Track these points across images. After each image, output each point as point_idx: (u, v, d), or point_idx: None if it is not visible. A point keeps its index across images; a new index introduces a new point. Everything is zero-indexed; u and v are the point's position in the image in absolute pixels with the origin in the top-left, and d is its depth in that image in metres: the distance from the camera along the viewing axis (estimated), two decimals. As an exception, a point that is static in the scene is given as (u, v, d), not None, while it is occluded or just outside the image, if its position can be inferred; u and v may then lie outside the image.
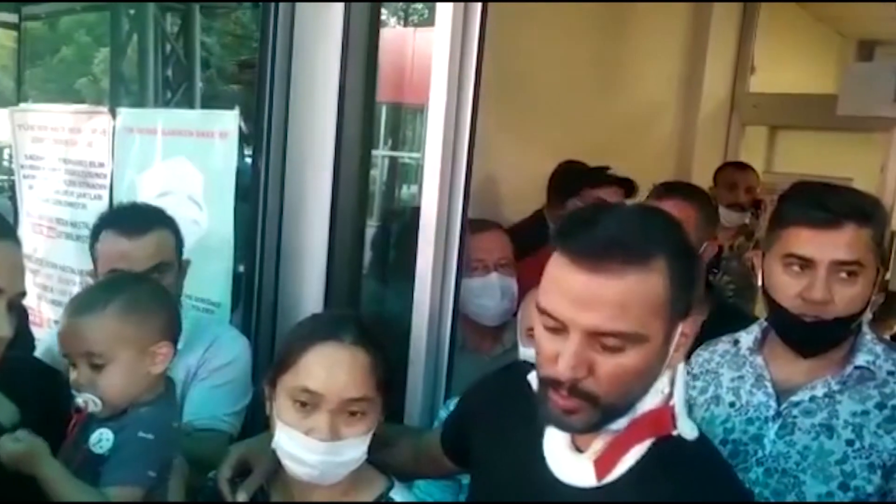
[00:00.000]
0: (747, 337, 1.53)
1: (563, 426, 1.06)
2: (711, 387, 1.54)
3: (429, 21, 1.70)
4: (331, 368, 1.20)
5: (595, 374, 0.99)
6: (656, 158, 4.04)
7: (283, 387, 1.22)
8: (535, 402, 1.09)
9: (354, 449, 1.21)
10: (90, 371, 1.26)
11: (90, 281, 1.80)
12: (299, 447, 1.19)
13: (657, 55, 4.02)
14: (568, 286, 0.99)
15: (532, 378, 1.11)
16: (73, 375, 1.28)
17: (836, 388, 1.39)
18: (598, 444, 1.06)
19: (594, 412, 1.01)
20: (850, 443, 1.36)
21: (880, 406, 1.36)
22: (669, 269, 0.99)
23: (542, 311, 1.03)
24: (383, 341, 1.29)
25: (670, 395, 1.06)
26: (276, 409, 1.23)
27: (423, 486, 1.70)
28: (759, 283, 1.47)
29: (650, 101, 4.03)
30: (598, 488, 1.06)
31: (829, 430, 1.38)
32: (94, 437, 1.26)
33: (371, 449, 1.26)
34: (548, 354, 1.02)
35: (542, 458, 1.13)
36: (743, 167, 3.42)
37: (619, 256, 0.96)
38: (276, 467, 1.26)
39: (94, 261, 1.72)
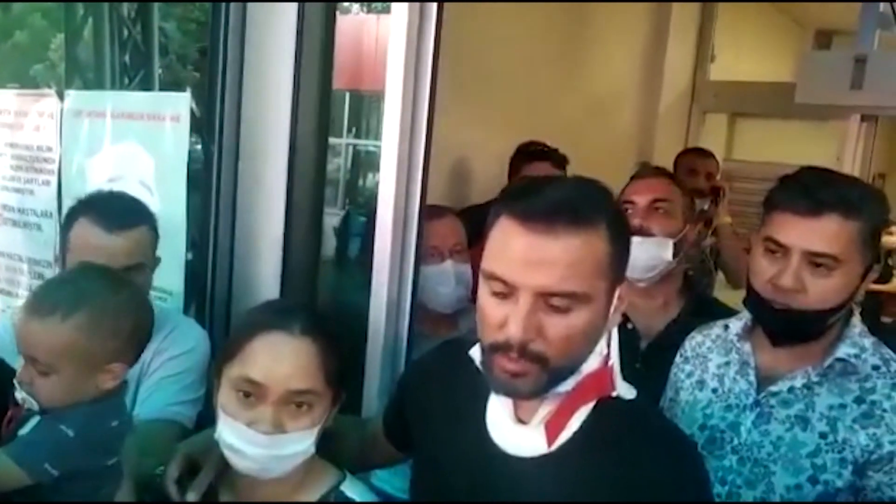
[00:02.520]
0: (737, 323, 1.50)
1: (510, 392, 1.07)
2: (698, 371, 1.53)
3: (389, 8, 1.68)
4: (275, 359, 1.16)
5: (544, 336, 1.01)
6: (618, 145, 4.08)
7: (227, 377, 1.19)
8: (476, 378, 1.10)
9: (299, 443, 1.18)
10: (34, 373, 1.19)
11: (44, 272, 1.73)
12: (241, 439, 1.16)
13: (619, 43, 4.05)
14: (518, 248, 1.01)
15: (474, 352, 1.11)
16: (20, 368, 1.21)
17: (815, 379, 1.37)
18: (543, 410, 1.08)
19: (542, 374, 1.03)
20: (823, 436, 1.34)
21: (858, 400, 1.34)
22: (609, 233, 1.03)
23: (491, 276, 1.04)
24: (336, 332, 1.25)
25: (608, 356, 1.10)
26: (219, 400, 1.20)
27: (381, 473, 1.69)
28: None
29: (612, 89, 4.06)
30: (547, 455, 1.07)
31: (803, 422, 1.36)
32: (27, 424, 1.20)
33: (321, 442, 1.24)
34: (495, 320, 1.03)
35: (486, 433, 1.14)
36: (703, 153, 3.44)
37: (567, 219, 1.00)
38: (225, 463, 1.22)
39: (64, 247, 1.64)
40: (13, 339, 1.69)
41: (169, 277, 1.96)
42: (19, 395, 1.20)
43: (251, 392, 1.16)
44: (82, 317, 1.18)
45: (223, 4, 1.83)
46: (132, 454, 1.31)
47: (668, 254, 1.86)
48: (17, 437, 1.19)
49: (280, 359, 1.17)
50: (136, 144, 2.04)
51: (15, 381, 1.20)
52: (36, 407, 1.19)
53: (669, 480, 1.04)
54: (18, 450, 1.16)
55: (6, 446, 1.16)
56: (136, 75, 5.95)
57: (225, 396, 1.19)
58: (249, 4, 1.84)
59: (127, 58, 5.89)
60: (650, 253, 1.85)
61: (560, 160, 2.75)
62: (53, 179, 2.24)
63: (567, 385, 1.06)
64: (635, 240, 1.81)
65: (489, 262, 1.05)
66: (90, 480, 1.21)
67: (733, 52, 4.75)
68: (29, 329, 1.19)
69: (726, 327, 1.53)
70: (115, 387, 1.25)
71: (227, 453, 1.19)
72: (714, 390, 1.48)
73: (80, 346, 1.18)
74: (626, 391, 1.12)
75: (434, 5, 1.64)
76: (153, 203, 1.97)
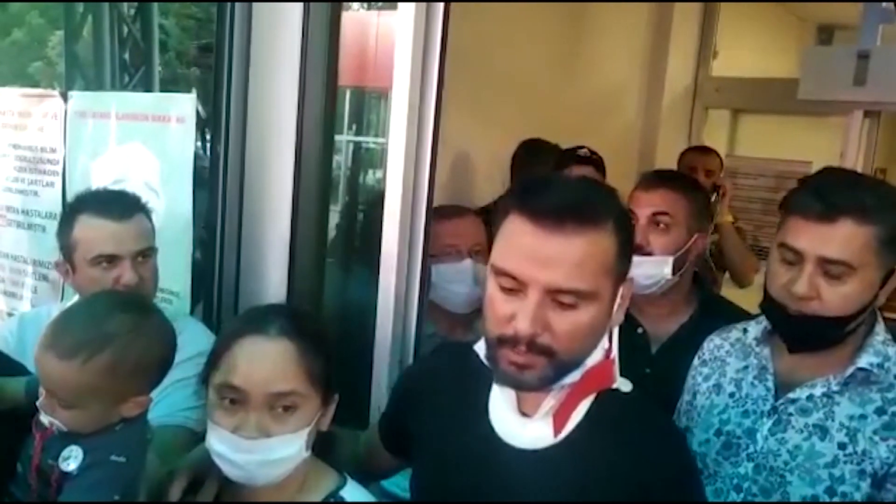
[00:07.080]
0: (756, 326, 1.47)
1: (517, 383, 1.10)
2: (715, 375, 1.50)
3: (394, 5, 1.67)
4: (253, 362, 1.15)
5: (551, 330, 1.04)
6: (621, 141, 4.07)
7: (212, 384, 1.18)
8: (476, 375, 1.13)
9: (286, 448, 1.16)
10: (55, 405, 1.16)
11: (49, 274, 1.68)
12: (227, 446, 1.15)
13: (622, 39, 4.04)
14: (528, 246, 1.03)
15: (479, 346, 1.13)
16: (41, 395, 1.18)
17: (835, 388, 1.33)
18: (548, 403, 1.11)
19: (549, 367, 1.06)
20: (842, 446, 1.31)
21: (880, 411, 1.30)
22: (616, 232, 1.06)
23: (500, 272, 1.06)
24: (318, 332, 1.24)
25: (609, 349, 1.13)
26: (208, 408, 1.19)
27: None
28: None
29: (615, 85, 4.05)
30: (552, 446, 1.11)
31: (822, 431, 1.33)
32: (65, 453, 1.17)
33: (322, 445, 1.23)
34: (503, 315, 1.06)
35: (490, 428, 1.16)
36: (704, 150, 3.44)
37: (575, 217, 1.02)
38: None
39: (67, 248, 1.63)
40: (19, 341, 1.70)
41: (175, 279, 1.96)
42: (45, 419, 1.18)
43: (233, 398, 1.15)
44: (105, 359, 1.15)
45: (228, 4, 1.82)
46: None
47: (668, 271, 1.83)
48: (62, 472, 1.16)
49: (258, 362, 1.16)
50: (140, 145, 2.03)
51: (38, 405, 1.19)
52: (65, 430, 1.17)
53: (662, 465, 1.08)
54: (87, 496, 1.15)
55: (71, 495, 1.14)
56: (136, 72, 5.95)
57: (211, 404, 1.19)
58: (255, 4, 1.83)
59: (127, 55, 5.88)
60: (648, 272, 1.82)
61: (601, 165, 2.70)
62: (57, 181, 2.22)
63: (572, 377, 1.09)
64: (633, 259, 1.81)
65: (498, 257, 1.08)
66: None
67: (735, 48, 4.74)
68: (49, 366, 1.15)
69: (745, 331, 1.49)
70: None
71: (217, 461, 1.18)
72: (731, 395, 1.45)
73: (103, 387, 1.16)
74: (623, 385, 1.15)
75: (441, 3, 1.64)
76: (159, 205, 1.97)
